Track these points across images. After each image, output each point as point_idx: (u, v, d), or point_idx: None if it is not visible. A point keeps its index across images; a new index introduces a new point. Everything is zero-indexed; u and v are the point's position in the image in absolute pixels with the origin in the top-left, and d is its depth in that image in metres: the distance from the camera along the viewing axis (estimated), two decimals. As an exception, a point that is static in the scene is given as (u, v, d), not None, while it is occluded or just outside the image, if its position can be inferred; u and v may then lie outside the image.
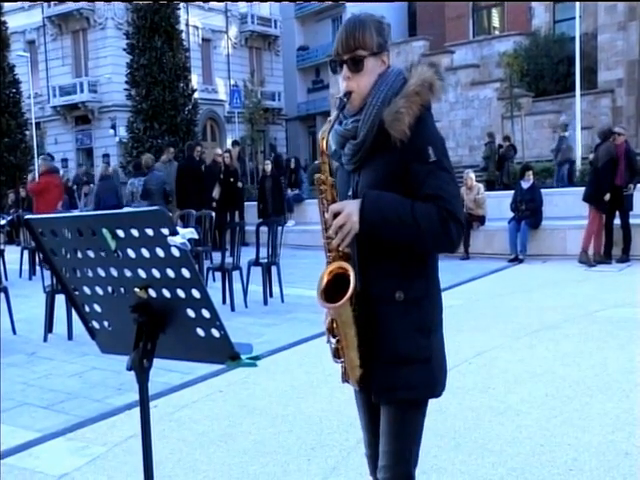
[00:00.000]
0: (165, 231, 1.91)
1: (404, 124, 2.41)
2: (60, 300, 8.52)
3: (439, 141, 2.53)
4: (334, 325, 2.49)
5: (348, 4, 47.45)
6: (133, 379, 2.09)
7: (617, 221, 13.61)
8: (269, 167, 18.85)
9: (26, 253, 15.21)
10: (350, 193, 2.59)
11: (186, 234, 1.93)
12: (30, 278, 14.46)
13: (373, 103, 2.53)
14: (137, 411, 2.14)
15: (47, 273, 8.54)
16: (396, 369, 2.48)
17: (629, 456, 4.72)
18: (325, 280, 2.41)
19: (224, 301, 10.36)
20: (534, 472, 4.51)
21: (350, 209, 2.39)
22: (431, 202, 2.40)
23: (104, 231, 2.02)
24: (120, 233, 1.99)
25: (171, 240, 1.92)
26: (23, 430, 5.75)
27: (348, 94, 2.56)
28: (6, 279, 12.51)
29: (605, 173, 13.58)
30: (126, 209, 13.27)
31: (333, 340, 2.52)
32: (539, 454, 4.80)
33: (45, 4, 43.37)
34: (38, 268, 13.63)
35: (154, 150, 26.78)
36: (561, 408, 5.71)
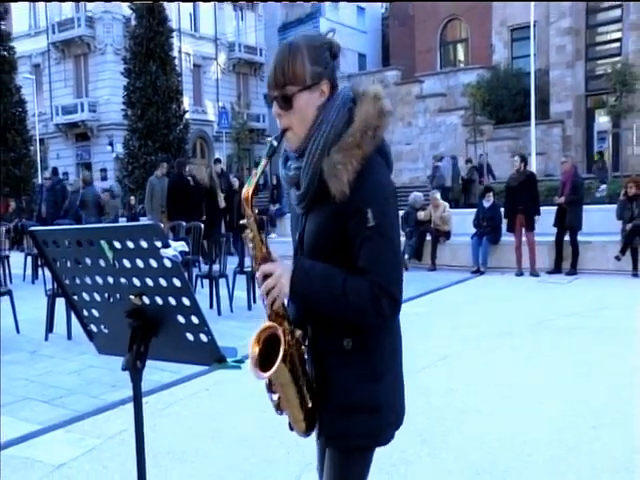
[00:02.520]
0: (158, 244, 1.91)
1: (342, 182, 2.05)
2: (60, 303, 8.54)
3: (380, 199, 2.12)
4: (272, 385, 2.24)
5: (326, 31, 47.59)
6: (127, 377, 2.08)
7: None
8: (237, 183, 18.70)
9: (29, 259, 15.16)
10: (297, 236, 2.30)
11: (177, 247, 1.93)
12: (33, 282, 14.32)
13: (312, 151, 2.14)
14: (131, 406, 2.13)
15: (48, 277, 8.54)
16: (343, 417, 2.20)
17: (576, 450, 4.77)
18: (256, 351, 2.10)
19: (211, 306, 10.33)
20: (492, 465, 4.53)
21: (280, 273, 2.08)
22: (364, 276, 2.07)
23: (102, 242, 2.02)
24: (117, 244, 1.99)
25: (164, 252, 1.92)
26: (24, 423, 5.72)
27: (282, 133, 2.20)
28: (11, 282, 12.50)
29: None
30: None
31: (274, 396, 2.26)
32: (496, 449, 4.82)
33: (50, 31, 43.38)
34: (40, 272, 13.60)
35: (148, 165, 26.81)
36: (516, 407, 5.74)
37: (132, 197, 26.99)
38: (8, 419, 5.79)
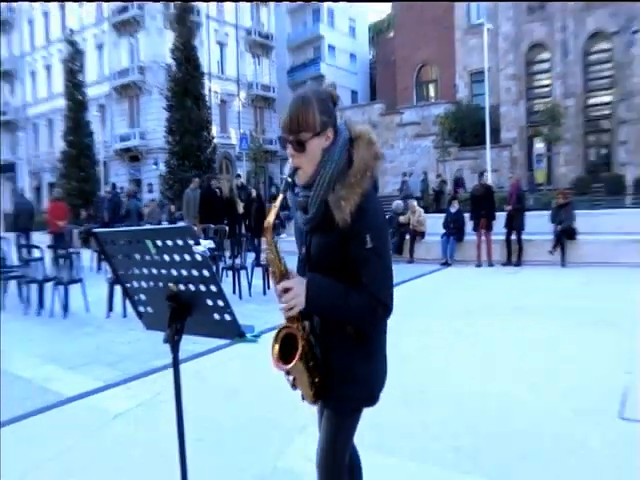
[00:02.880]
0: (191, 242, 1.91)
1: (345, 213, 2.08)
2: (117, 289, 8.60)
3: (378, 226, 2.17)
4: (289, 372, 2.24)
5: (327, 74, 47.71)
6: (168, 348, 2.09)
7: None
8: (254, 193, 18.59)
9: (95, 254, 15.41)
10: (304, 250, 2.32)
11: (206, 244, 1.93)
12: (97, 272, 14.56)
13: (320, 184, 2.16)
14: (171, 371, 2.14)
15: (108, 269, 8.61)
16: (342, 387, 2.25)
17: (519, 401, 4.77)
18: (277, 347, 2.16)
19: (234, 292, 10.31)
20: (457, 415, 4.53)
21: (298, 290, 2.09)
22: (364, 291, 2.10)
23: (147, 241, 2.02)
24: (158, 243, 1.99)
25: (195, 249, 1.92)
26: (93, 380, 5.83)
27: (294, 171, 2.19)
28: (82, 272, 12.53)
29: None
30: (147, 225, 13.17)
31: (290, 378, 2.28)
32: (460, 403, 4.83)
33: (112, 78, 43.98)
34: (102, 265, 13.84)
35: (184, 181, 26.78)
36: (476, 369, 5.75)
37: (172, 206, 26.98)
38: (81, 377, 5.98)
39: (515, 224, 14.03)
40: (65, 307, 9.23)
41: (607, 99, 31.60)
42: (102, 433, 4.48)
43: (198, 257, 1.93)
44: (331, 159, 2.17)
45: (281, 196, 2.22)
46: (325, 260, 2.21)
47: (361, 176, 2.15)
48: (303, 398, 2.37)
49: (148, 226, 12.48)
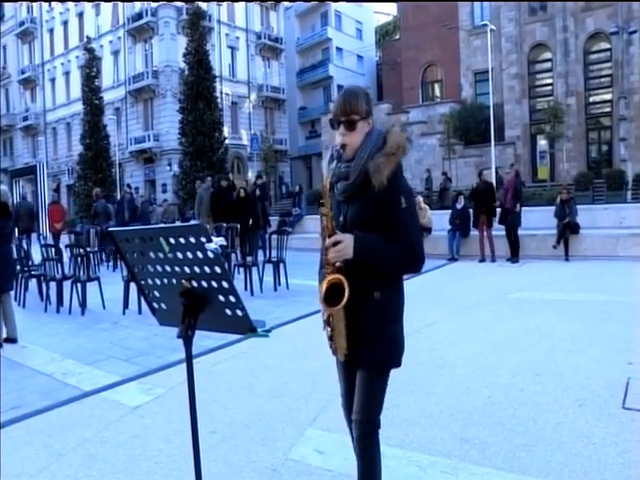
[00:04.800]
0: (203, 239, 1.91)
1: (383, 176, 2.37)
2: (133, 286, 8.59)
3: (409, 190, 2.50)
4: (330, 319, 2.48)
5: (335, 76, 47.65)
6: (182, 343, 2.08)
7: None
8: (257, 192, 18.38)
9: (111, 253, 15.40)
10: (341, 219, 2.54)
11: (218, 242, 1.93)
12: (114, 270, 14.53)
13: (361, 156, 2.47)
14: (185, 365, 2.13)
15: (124, 267, 8.64)
16: (373, 347, 2.48)
17: (524, 392, 4.78)
18: (325, 288, 2.36)
19: (245, 288, 10.32)
20: (463, 407, 4.52)
21: (347, 243, 2.35)
22: (402, 245, 2.39)
23: (161, 239, 2.01)
24: (172, 240, 1.98)
25: (207, 246, 1.92)
26: (110, 374, 5.86)
27: (343, 146, 2.50)
28: (99, 271, 12.62)
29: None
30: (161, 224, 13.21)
31: (329, 329, 2.52)
32: (466, 394, 4.81)
33: (127, 83, 44.23)
34: (119, 263, 13.81)
35: (197, 181, 26.86)
36: (482, 361, 5.73)
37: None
38: (99, 371, 6.01)
39: (510, 220, 13.74)
40: (83, 304, 9.26)
41: (607, 97, 31.50)
42: (119, 426, 4.49)
43: (210, 254, 1.93)
44: (371, 139, 2.52)
45: (334, 162, 2.54)
46: (361, 223, 2.46)
47: (397, 148, 2.47)
48: (334, 352, 2.58)
49: (162, 225, 12.56)
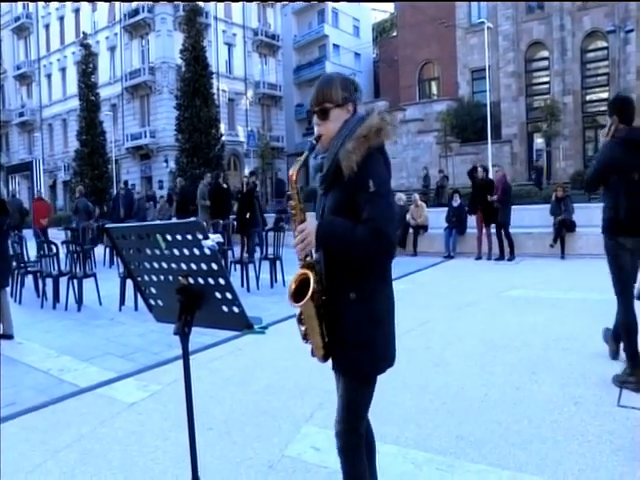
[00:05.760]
0: (200, 236, 1.91)
1: (352, 161, 2.24)
2: (129, 283, 8.58)
3: (380, 174, 2.32)
4: (302, 317, 2.37)
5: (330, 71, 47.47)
6: (179, 340, 2.08)
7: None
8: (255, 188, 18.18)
9: (107, 250, 15.39)
10: (321, 211, 2.46)
11: (215, 238, 1.92)
12: (110, 267, 14.51)
13: (335, 144, 2.36)
14: (181, 362, 2.14)
15: (121, 264, 8.65)
16: (349, 353, 2.35)
17: (520, 390, 4.79)
18: (293, 286, 2.30)
19: (242, 285, 10.33)
20: (459, 404, 4.53)
21: (310, 228, 2.27)
22: (368, 224, 2.22)
23: (157, 236, 2.01)
24: (168, 237, 1.99)
25: (204, 243, 1.92)
26: (106, 371, 5.87)
27: (318, 137, 2.42)
28: (95, 267, 12.63)
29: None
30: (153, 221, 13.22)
31: (302, 327, 2.40)
32: (462, 392, 4.82)
33: (123, 79, 44.31)
34: (115, 260, 13.78)
35: (194, 177, 26.81)
36: (478, 359, 5.73)
37: (190, 200, 26.96)
38: (95, 368, 6.01)
39: (500, 218, 13.67)
40: (79, 301, 9.26)
41: (604, 96, 31.55)
42: (116, 422, 4.49)
43: (207, 251, 1.93)
44: (347, 127, 2.39)
45: (305, 153, 2.41)
46: (335, 213, 2.35)
47: (367, 131, 2.31)
48: (313, 354, 2.45)
49: (158, 222, 12.60)
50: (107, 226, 2.24)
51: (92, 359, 6.30)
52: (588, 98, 32.41)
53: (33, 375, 5.84)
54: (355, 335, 2.33)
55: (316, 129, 2.45)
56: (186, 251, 1.98)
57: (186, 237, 1.94)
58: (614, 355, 5.49)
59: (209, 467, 3.56)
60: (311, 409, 4.45)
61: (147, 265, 2.17)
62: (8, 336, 7.29)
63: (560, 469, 3.44)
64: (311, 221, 2.32)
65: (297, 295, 2.28)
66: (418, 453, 3.72)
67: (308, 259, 2.33)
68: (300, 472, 3.53)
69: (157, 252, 2.07)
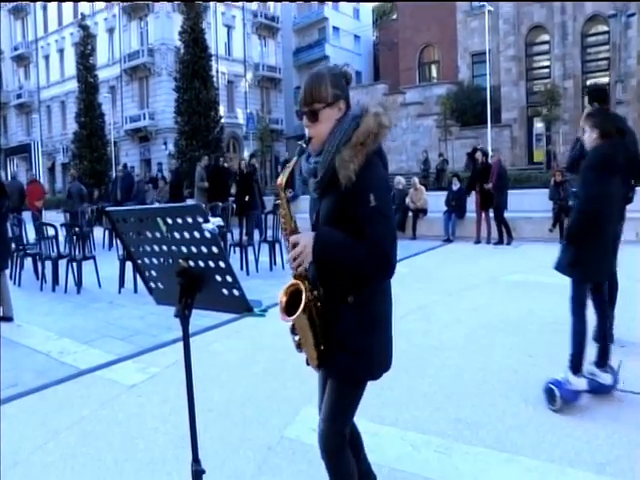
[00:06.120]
0: (200, 219, 1.91)
1: (350, 171, 2.12)
2: (129, 265, 8.62)
3: (380, 186, 2.21)
4: (294, 328, 2.31)
5: (331, 55, 47.29)
6: (178, 322, 2.09)
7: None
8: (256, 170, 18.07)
9: (107, 232, 15.43)
10: (314, 217, 2.34)
11: (215, 222, 1.93)
12: (109, 249, 14.51)
13: (329, 150, 2.22)
14: (181, 344, 2.15)
15: (120, 246, 8.70)
16: (345, 358, 2.26)
17: (518, 373, 4.84)
18: (284, 301, 2.22)
19: (241, 268, 10.34)
20: (457, 387, 4.56)
21: (305, 242, 2.17)
22: (369, 243, 2.12)
23: (158, 219, 2.02)
24: (169, 220, 1.99)
25: (204, 226, 1.92)
26: (106, 353, 5.91)
27: (308, 140, 2.29)
28: (94, 250, 12.63)
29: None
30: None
31: (296, 337, 2.33)
32: (460, 375, 4.85)
33: (122, 61, 44.12)
34: (114, 242, 13.82)
35: (193, 159, 26.75)
36: (476, 343, 5.77)
37: (183, 183, 26.95)
38: (95, 350, 6.05)
39: (495, 203, 13.63)
40: (79, 283, 9.28)
41: (604, 80, 31.38)
42: (115, 404, 4.52)
43: (207, 234, 1.93)
44: (341, 128, 2.24)
45: (295, 158, 2.32)
46: (330, 220, 2.25)
47: (364, 139, 2.19)
48: (308, 363, 2.40)
49: (157, 205, 12.61)
50: (107, 209, 2.24)
51: (92, 341, 6.33)
52: (589, 83, 32.23)
53: (33, 357, 5.87)
54: (352, 341, 2.26)
55: (306, 131, 2.31)
56: (186, 234, 1.98)
57: (187, 220, 1.94)
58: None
59: (209, 448, 3.58)
60: (310, 391, 4.45)
61: (147, 248, 2.17)
62: (8, 318, 7.31)
63: (557, 451, 3.47)
64: (306, 235, 2.21)
65: (289, 307, 2.21)
66: (416, 435, 3.75)
67: (300, 269, 2.22)
68: (299, 453, 3.56)
69: (158, 235, 2.07)
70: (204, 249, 1.98)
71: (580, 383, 4.23)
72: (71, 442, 3.85)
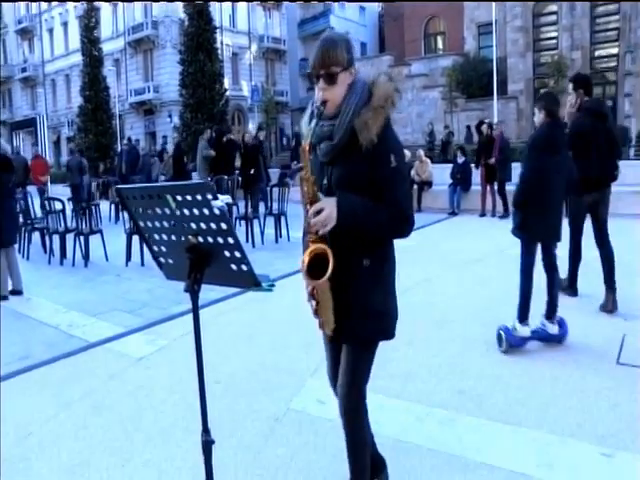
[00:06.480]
0: (209, 196, 1.93)
1: (372, 133, 2.17)
2: (135, 239, 8.75)
3: (400, 147, 2.30)
4: (314, 291, 2.32)
5: (336, 27, 46.80)
6: (187, 294, 2.12)
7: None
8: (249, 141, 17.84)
9: (113, 206, 15.45)
10: (325, 182, 2.33)
11: (224, 199, 1.96)
12: (116, 222, 14.49)
13: (346, 112, 2.24)
14: (190, 316, 2.19)
15: (127, 219, 8.79)
16: (363, 319, 2.32)
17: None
18: (307, 260, 2.19)
19: (247, 240, 10.36)
20: (460, 360, 4.61)
21: (330, 210, 2.15)
22: (390, 206, 2.21)
23: (167, 196, 2.04)
24: (178, 197, 2.01)
25: (213, 203, 1.94)
26: (115, 326, 5.98)
27: (324, 102, 2.26)
28: (101, 223, 12.69)
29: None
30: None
31: (314, 302, 2.35)
32: (464, 348, 4.90)
33: (126, 34, 43.82)
34: (120, 216, 13.83)
35: (198, 133, 26.69)
36: (480, 314, 5.81)
37: (185, 157, 26.93)
38: (103, 323, 6.12)
39: (499, 175, 13.57)
40: (86, 257, 9.34)
41: (613, 51, 31.02)
42: (125, 376, 4.59)
43: (216, 211, 1.95)
44: (355, 92, 2.28)
45: (314, 120, 2.30)
46: (348, 186, 2.26)
47: (385, 101, 2.26)
48: (321, 326, 2.45)
49: (162, 178, 12.64)
50: (118, 187, 2.26)
51: (100, 314, 6.40)
52: (597, 54, 31.84)
53: (43, 330, 5.95)
54: (367, 302, 2.32)
55: (320, 94, 2.27)
56: (196, 211, 2.00)
57: (196, 198, 1.96)
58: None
59: (216, 420, 3.63)
60: (315, 363, 4.52)
61: (157, 224, 2.20)
62: (18, 292, 7.38)
63: (559, 424, 3.52)
64: (329, 201, 2.19)
65: (311, 270, 2.20)
66: (421, 407, 3.80)
67: (322, 232, 2.20)
68: (305, 425, 3.62)
69: (167, 212, 2.10)
70: (213, 225, 2.01)
71: (524, 331, 4.84)
72: (81, 413, 3.93)
